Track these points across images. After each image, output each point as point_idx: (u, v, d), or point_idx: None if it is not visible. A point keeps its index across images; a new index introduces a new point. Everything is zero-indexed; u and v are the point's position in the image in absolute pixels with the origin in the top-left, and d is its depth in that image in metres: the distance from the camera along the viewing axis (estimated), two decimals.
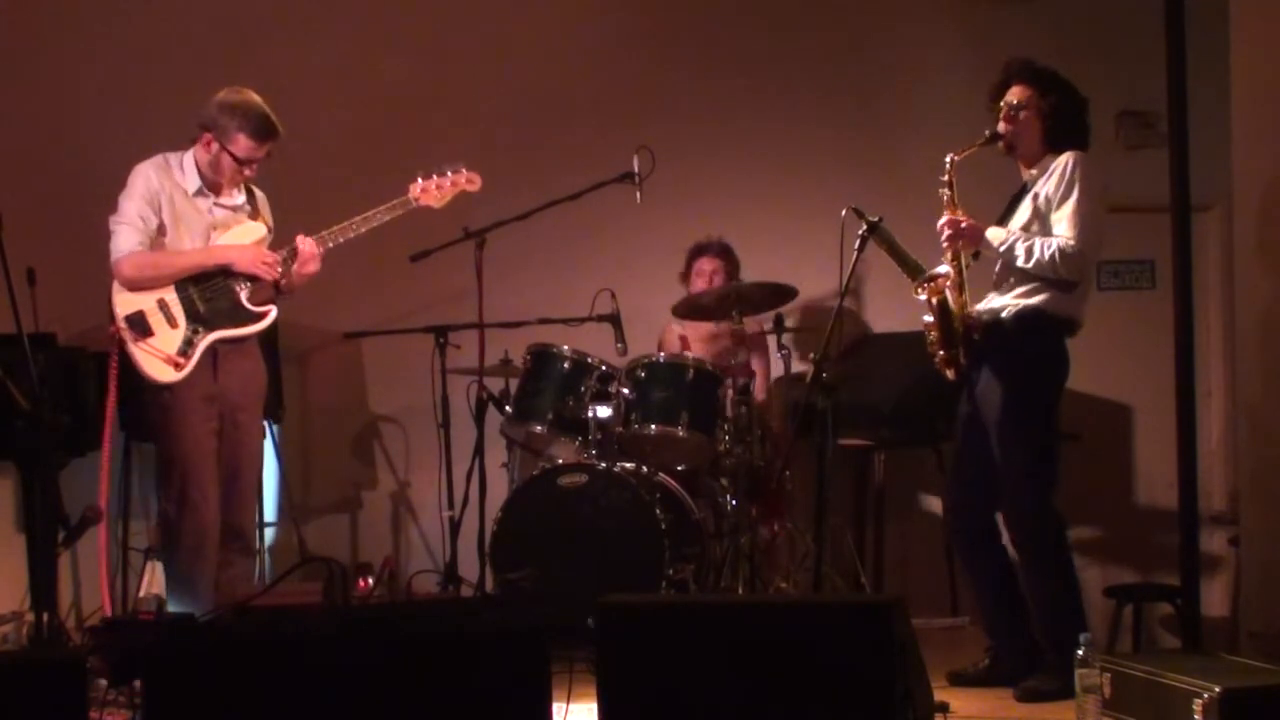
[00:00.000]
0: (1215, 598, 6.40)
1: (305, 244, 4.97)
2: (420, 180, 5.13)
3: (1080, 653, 3.98)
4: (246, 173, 4.99)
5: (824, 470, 5.13)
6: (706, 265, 6.12)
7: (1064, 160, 4.64)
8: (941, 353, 4.69)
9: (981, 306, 4.75)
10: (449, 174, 5.16)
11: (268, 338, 5.63)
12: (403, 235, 5.87)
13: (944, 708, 4.16)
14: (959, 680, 4.75)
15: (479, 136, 6.51)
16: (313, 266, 4.99)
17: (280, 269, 4.96)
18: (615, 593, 3.95)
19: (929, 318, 4.70)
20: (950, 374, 4.70)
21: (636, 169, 5.48)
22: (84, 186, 5.98)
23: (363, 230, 5.02)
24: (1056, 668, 4.44)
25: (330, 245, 5.00)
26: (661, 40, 6.71)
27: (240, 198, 5.10)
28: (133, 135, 5.80)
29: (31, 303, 4.49)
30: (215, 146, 4.94)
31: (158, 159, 4.98)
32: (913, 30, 6.80)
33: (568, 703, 3.75)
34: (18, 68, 6.22)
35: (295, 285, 5.03)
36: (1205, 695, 3.74)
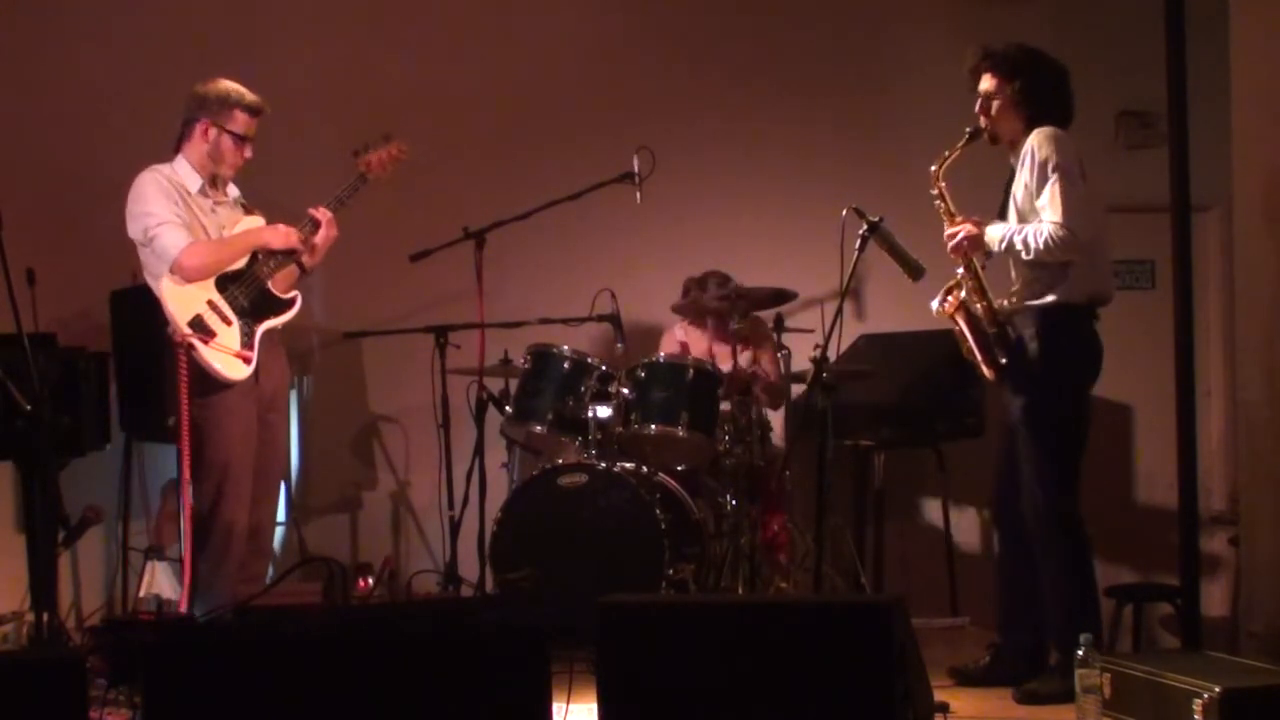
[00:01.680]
0: (1215, 598, 6.40)
1: (321, 212, 5.04)
2: (365, 155, 5.19)
3: (1080, 653, 3.98)
4: (246, 153, 5.04)
5: (824, 470, 5.13)
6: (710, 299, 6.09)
7: (1030, 144, 4.60)
8: (980, 358, 4.67)
9: (1011, 302, 4.73)
10: (384, 148, 5.23)
11: None
12: (403, 235, 5.88)
13: (944, 708, 4.16)
14: (960, 677, 4.74)
15: (479, 136, 6.52)
16: (334, 231, 5.07)
17: (304, 241, 5.03)
18: (615, 593, 3.95)
19: (957, 328, 4.68)
20: (991, 375, 4.69)
21: (636, 169, 5.49)
22: (84, 186, 5.99)
23: (335, 208, 5.09)
24: (1059, 671, 4.42)
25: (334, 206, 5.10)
26: (661, 40, 6.71)
27: (233, 192, 5.15)
28: (133, 135, 5.82)
29: (31, 303, 4.50)
30: (214, 131, 4.99)
31: (152, 169, 5.00)
32: (913, 30, 6.81)
33: (568, 703, 3.75)
34: (18, 68, 6.22)
35: (319, 257, 5.09)
36: (1205, 695, 3.74)
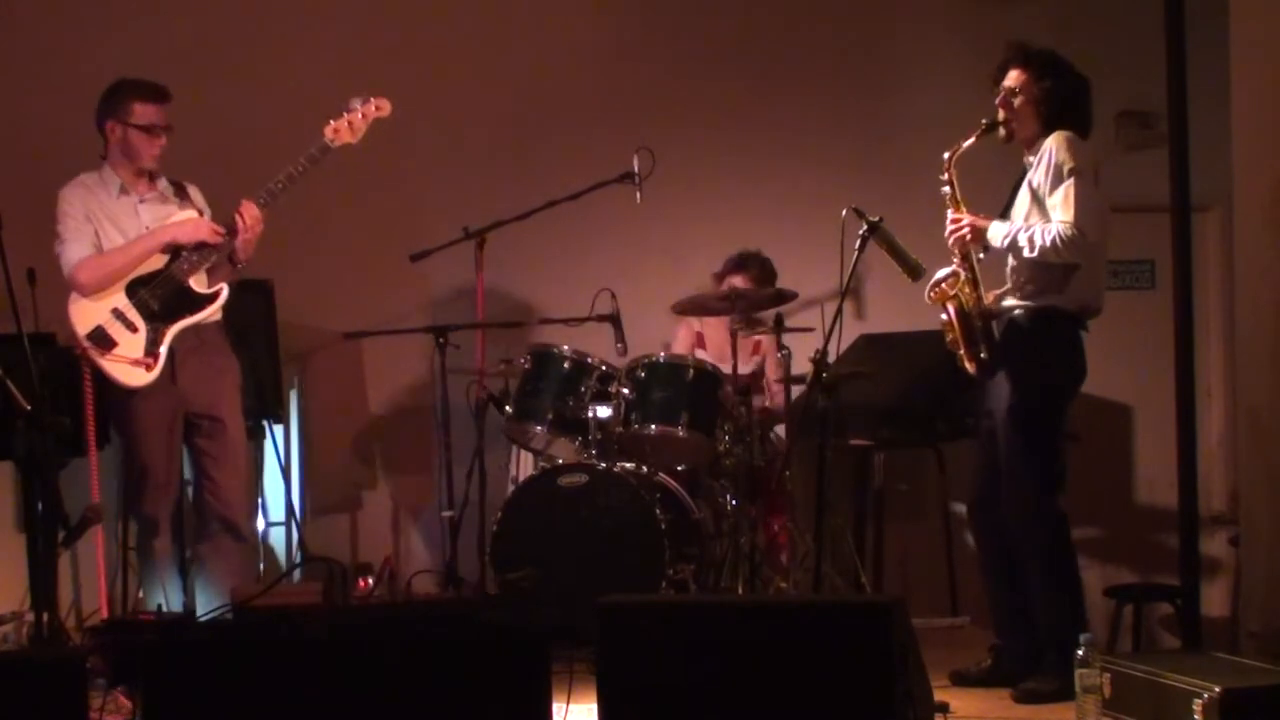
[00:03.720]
0: (1215, 598, 6.40)
1: (247, 207, 4.94)
2: (332, 121, 5.08)
3: (1080, 653, 3.99)
4: (161, 142, 5.00)
5: (824, 470, 5.13)
6: (736, 281, 6.09)
7: (1049, 145, 4.62)
8: (963, 350, 4.68)
9: (999, 301, 4.73)
10: (358, 107, 5.12)
11: (267, 338, 5.63)
12: (403, 235, 5.89)
13: (944, 708, 4.16)
14: (961, 680, 4.75)
15: (479, 136, 6.52)
16: (256, 225, 4.94)
17: (225, 236, 4.95)
18: (615, 593, 3.95)
19: (945, 316, 4.69)
20: (973, 368, 4.69)
21: (636, 169, 5.49)
22: None
23: (286, 184, 4.95)
24: (1056, 669, 4.44)
25: (264, 202, 4.94)
26: (662, 40, 6.71)
27: (163, 188, 5.10)
28: None
29: (31, 303, 4.50)
30: (119, 129, 4.99)
31: (76, 180, 5.03)
32: (913, 30, 6.81)
33: (568, 703, 3.75)
34: (17, 68, 6.22)
35: (248, 251, 5.00)
36: (1205, 695, 3.74)
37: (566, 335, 5.82)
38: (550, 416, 5.52)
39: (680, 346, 6.14)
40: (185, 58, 6.11)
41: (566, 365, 5.56)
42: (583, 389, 5.52)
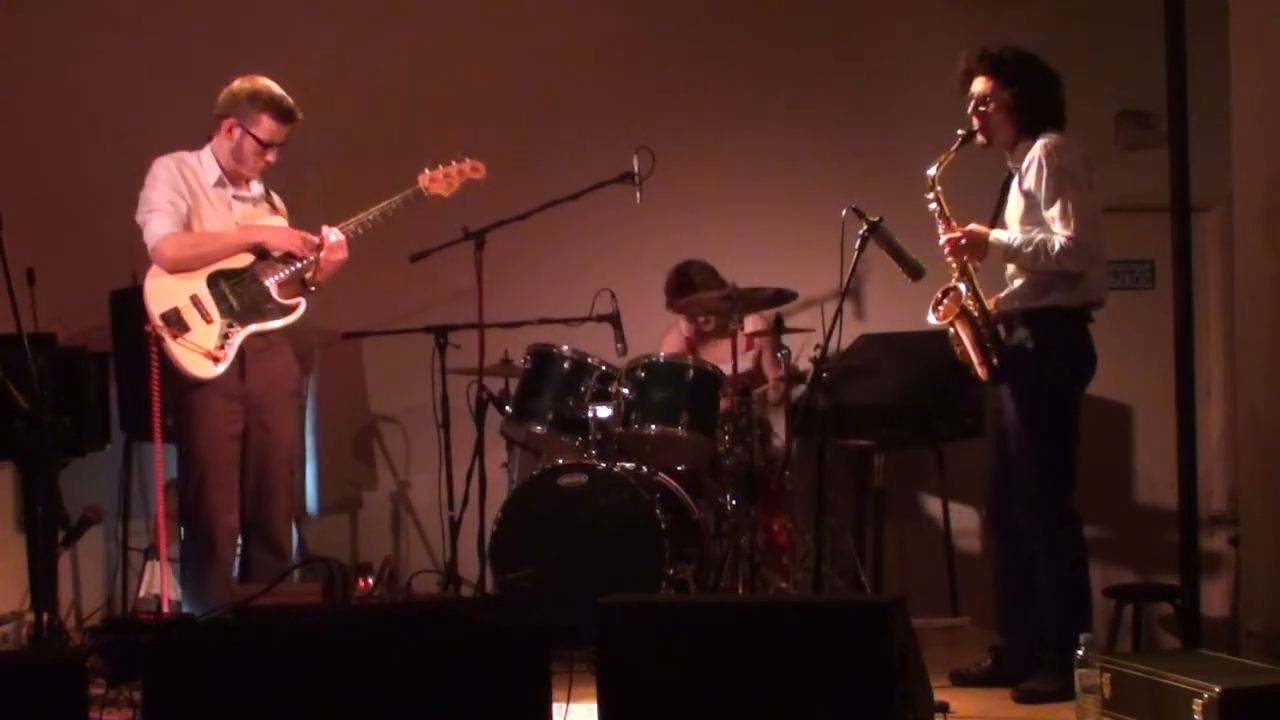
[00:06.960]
0: (1215, 598, 6.40)
1: (331, 232, 5.00)
2: (428, 171, 5.21)
3: (1080, 653, 3.98)
4: (269, 157, 5.00)
5: (824, 470, 5.13)
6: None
7: (1037, 151, 4.60)
8: (975, 361, 4.67)
9: (1003, 304, 4.73)
10: (454, 164, 5.27)
11: None
12: (403, 235, 5.87)
13: (944, 708, 4.16)
14: (961, 680, 4.74)
15: (479, 136, 6.49)
16: (341, 254, 5.03)
17: (310, 250, 4.98)
18: (615, 593, 3.94)
19: (952, 331, 4.68)
20: (985, 376, 4.68)
21: (636, 169, 5.48)
22: (84, 186, 5.99)
23: (378, 220, 5.08)
24: (1056, 668, 4.43)
25: (352, 235, 5.05)
26: (661, 41, 6.71)
27: (258, 190, 5.11)
28: (133, 135, 5.81)
29: (31, 303, 4.50)
30: (238, 132, 4.96)
31: (175, 154, 4.99)
32: (913, 30, 6.81)
33: (568, 703, 3.75)
34: (18, 67, 6.22)
35: (324, 277, 5.06)
36: (1205, 695, 3.74)
37: (566, 335, 5.81)
38: (550, 416, 5.52)
39: (670, 349, 6.12)
40: (186, 56, 6.11)
41: (566, 365, 5.56)
42: (583, 389, 5.52)
